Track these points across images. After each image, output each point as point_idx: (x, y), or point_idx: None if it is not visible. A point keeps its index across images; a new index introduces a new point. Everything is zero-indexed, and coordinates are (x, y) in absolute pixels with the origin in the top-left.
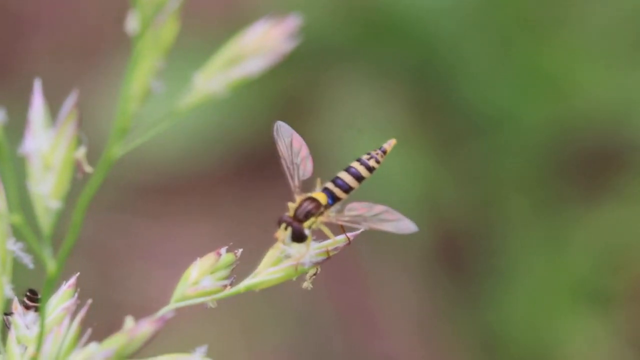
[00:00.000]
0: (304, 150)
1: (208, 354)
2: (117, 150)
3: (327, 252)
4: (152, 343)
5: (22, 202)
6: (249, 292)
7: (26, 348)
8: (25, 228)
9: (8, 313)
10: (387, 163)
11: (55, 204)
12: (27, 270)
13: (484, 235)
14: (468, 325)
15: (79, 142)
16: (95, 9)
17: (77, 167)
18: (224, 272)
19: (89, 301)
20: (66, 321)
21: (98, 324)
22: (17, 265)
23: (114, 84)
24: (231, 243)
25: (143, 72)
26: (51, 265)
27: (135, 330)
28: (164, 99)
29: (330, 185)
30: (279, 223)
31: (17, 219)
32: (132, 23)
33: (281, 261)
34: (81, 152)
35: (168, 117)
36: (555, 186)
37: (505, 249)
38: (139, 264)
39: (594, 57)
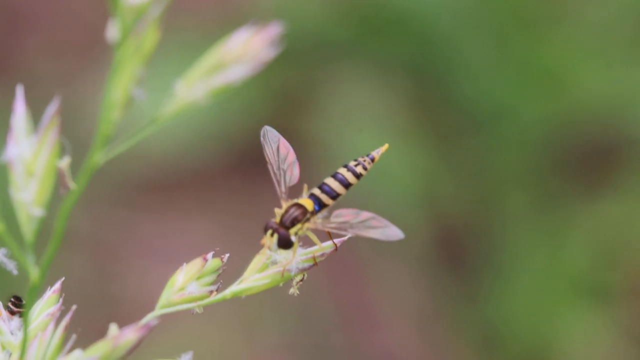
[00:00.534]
0: (291, 156)
1: (208, 349)
2: (99, 157)
3: (314, 258)
4: (151, 337)
5: (5, 209)
6: None
7: (11, 354)
8: (7, 236)
9: None
10: (386, 159)
11: (37, 211)
12: (13, 275)
13: (484, 230)
14: (467, 320)
15: (62, 150)
16: (91, 7)
17: (60, 180)
18: (211, 278)
19: (74, 307)
20: (51, 327)
21: (95, 321)
22: (1, 271)
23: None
24: (217, 248)
25: (124, 79)
26: (34, 273)
27: (119, 337)
28: (150, 105)
29: (316, 192)
30: (266, 229)
31: None
32: (113, 31)
33: (267, 267)
34: (65, 162)
35: (150, 125)
36: (554, 181)
37: (504, 244)
38: (137, 259)
39: (593, 52)
